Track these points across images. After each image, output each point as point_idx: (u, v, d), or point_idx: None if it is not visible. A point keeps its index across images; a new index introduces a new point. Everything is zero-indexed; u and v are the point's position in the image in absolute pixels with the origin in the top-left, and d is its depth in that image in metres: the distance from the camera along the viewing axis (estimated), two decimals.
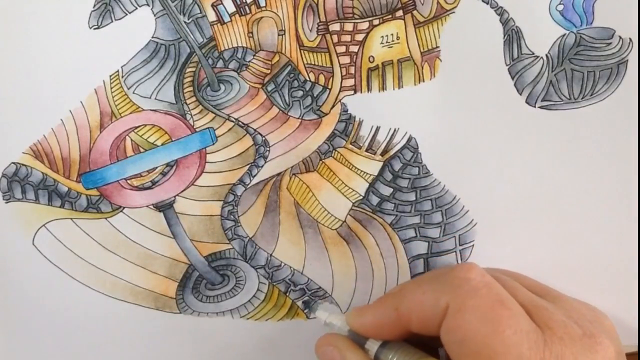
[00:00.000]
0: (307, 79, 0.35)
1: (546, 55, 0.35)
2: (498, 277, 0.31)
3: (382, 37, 0.35)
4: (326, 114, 0.35)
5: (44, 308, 0.36)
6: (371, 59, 0.35)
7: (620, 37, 0.35)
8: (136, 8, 0.33)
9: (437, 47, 0.35)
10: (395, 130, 0.36)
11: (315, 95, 0.35)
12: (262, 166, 0.36)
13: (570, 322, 0.29)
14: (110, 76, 0.34)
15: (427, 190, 0.36)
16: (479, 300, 0.28)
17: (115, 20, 0.33)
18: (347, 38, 0.34)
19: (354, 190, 0.36)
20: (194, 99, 0.35)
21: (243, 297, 0.37)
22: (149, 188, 0.35)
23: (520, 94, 0.36)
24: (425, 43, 0.35)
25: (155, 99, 0.35)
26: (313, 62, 0.35)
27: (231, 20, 0.34)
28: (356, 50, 0.35)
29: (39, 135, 0.34)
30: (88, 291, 0.36)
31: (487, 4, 0.34)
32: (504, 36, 0.35)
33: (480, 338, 0.27)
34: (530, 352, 0.27)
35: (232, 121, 0.35)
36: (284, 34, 0.34)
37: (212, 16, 0.34)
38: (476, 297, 0.28)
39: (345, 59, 0.35)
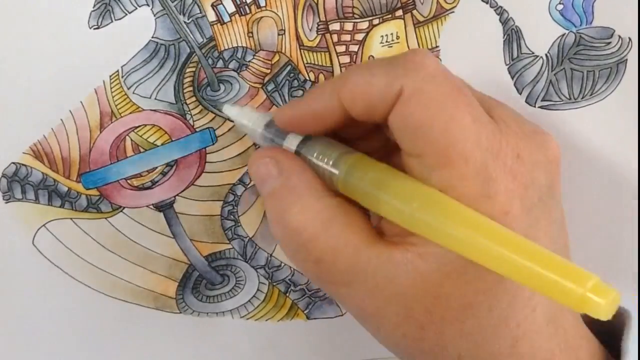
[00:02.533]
0: (307, 78, 0.35)
1: (546, 55, 0.35)
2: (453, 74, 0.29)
3: (382, 36, 0.35)
4: None
5: (44, 308, 0.36)
6: (371, 59, 0.35)
7: (619, 37, 0.35)
8: (136, 8, 0.33)
9: (436, 46, 0.35)
10: None
11: None
12: None
13: (520, 121, 0.28)
14: (110, 76, 0.34)
15: None
16: (437, 86, 0.26)
17: (115, 20, 0.33)
18: (347, 38, 0.35)
19: None
20: (194, 99, 0.35)
21: (243, 297, 0.37)
22: (149, 188, 0.35)
23: (520, 94, 0.36)
24: (425, 43, 0.35)
25: (155, 99, 0.35)
26: (313, 62, 0.35)
27: (231, 20, 0.34)
28: (356, 50, 0.35)
29: (39, 135, 0.34)
30: (88, 291, 0.36)
31: (487, 3, 0.34)
32: (504, 36, 0.35)
33: (438, 124, 0.25)
34: (488, 141, 0.25)
35: (232, 121, 0.35)
36: (284, 33, 0.34)
37: (212, 16, 0.34)
38: (434, 82, 0.26)
39: (345, 59, 0.35)
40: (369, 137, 0.29)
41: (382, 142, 0.29)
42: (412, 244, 0.26)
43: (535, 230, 0.26)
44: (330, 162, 0.28)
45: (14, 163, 0.35)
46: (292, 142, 0.29)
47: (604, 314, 0.21)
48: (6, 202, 0.35)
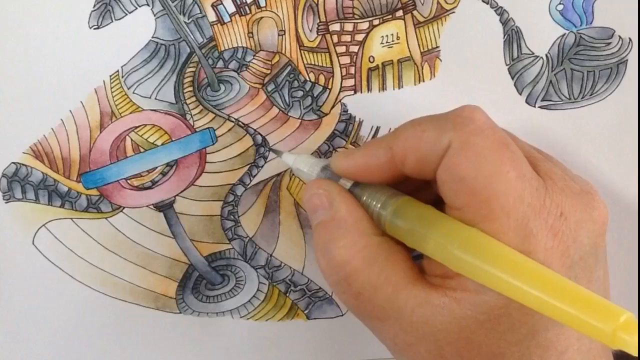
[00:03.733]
0: (307, 79, 0.35)
1: (546, 55, 0.35)
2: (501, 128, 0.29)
3: (382, 37, 0.35)
4: (326, 114, 0.35)
5: (44, 308, 0.36)
6: (371, 59, 0.35)
7: (620, 37, 0.35)
8: (136, 8, 0.33)
9: (437, 47, 0.35)
10: None
11: (315, 96, 0.35)
12: (262, 166, 0.36)
13: (568, 178, 0.28)
14: (110, 76, 0.34)
15: None
16: (483, 140, 0.26)
17: (115, 20, 0.33)
18: (347, 38, 0.34)
19: None
20: (194, 99, 0.35)
21: (243, 297, 0.37)
22: (149, 188, 0.35)
23: (520, 94, 0.36)
24: (425, 43, 0.35)
25: (155, 99, 0.35)
26: (313, 62, 0.35)
27: (231, 21, 0.34)
28: (356, 51, 0.35)
29: (39, 135, 0.34)
30: (88, 291, 0.36)
31: (487, 4, 0.34)
32: (504, 36, 0.35)
33: (482, 177, 0.26)
34: (531, 197, 0.26)
35: (232, 121, 0.35)
36: (284, 34, 0.34)
37: (212, 16, 0.34)
38: (481, 135, 0.26)
39: (345, 59, 0.35)
40: (420, 195, 0.30)
41: (432, 200, 0.29)
42: (451, 289, 0.26)
43: None
44: (379, 205, 0.29)
45: (14, 163, 0.35)
46: (345, 184, 0.30)
47: (636, 350, 0.21)
48: (6, 202, 0.35)
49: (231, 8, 0.34)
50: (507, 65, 0.35)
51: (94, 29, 0.33)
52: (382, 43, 0.35)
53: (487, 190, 0.26)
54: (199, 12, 0.34)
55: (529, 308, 0.24)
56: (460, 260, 0.25)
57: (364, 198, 0.29)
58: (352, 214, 0.29)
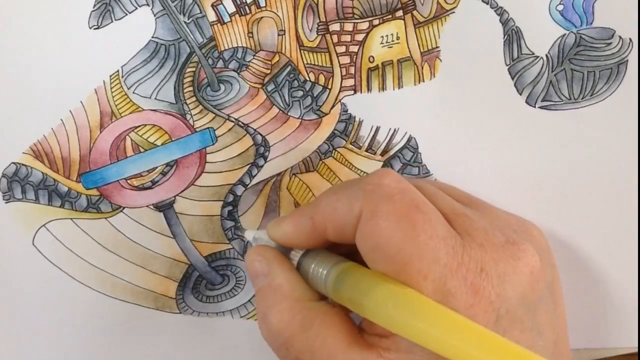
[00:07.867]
0: (307, 79, 0.35)
1: (546, 56, 0.35)
2: (418, 184, 0.29)
3: (382, 37, 0.35)
4: (326, 114, 0.35)
5: (44, 308, 0.36)
6: (371, 59, 0.35)
7: (620, 37, 0.35)
8: (136, 8, 0.33)
9: (437, 47, 0.35)
10: (395, 130, 0.36)
11: (315, 95, 0.35)
12: (262, 166, 0.36)
13: (492, 230, 0.28)
14: (110, 76, 0.34)
15: None
16: (392, 206, 0.27)
17: (115, 20, 0.33)
18: (347, 38, 0.35)
19: None
20: (194, 99, 0.35)
21: (243, 297, 0.37)
22: (149, 188, 0.35)
23: (520, 94, 0.36)
24: (425, 43, 0.35)
25: (155, 99, 0.35)
26: (313, 62, 0.35)
27: (231, 20, 0.34)
28: (356, 50, 0.35)
29: (39, 135, 0.34)
30: (88, 291, 0.36)
31: (487, 4, 0.34)
32: (504, 36, 0.35)
33: (394, 243, 0.26)
34: (447, 257, 0.26)
35: (232, 121, 0.35)
36: (284, 34, 0.34)
37: (212, 16, 0.34)
38: (390, 202, 0.27)
39: (345, 59, 0.35)
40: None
41: None
42: (386, 349, 0.27)
43: None
44: (325, 272, 0.29)
45: (14, 163, 0.35)
46: (295, 255, 0.31)
47: None
48: (6, 202, 0.35)
49: (231, 8, 0.34)
50: (507, 65, 0.35)
51: (94, 29, 0.33)
52: (382, 43, 0.35)
53: (401, 255, 0.26)
54: (199, 12, 0.34)
55: None
56: (392, 322, 0.25)
57: (313, 266, 0.30)
58: (288, 281, 0.30)
